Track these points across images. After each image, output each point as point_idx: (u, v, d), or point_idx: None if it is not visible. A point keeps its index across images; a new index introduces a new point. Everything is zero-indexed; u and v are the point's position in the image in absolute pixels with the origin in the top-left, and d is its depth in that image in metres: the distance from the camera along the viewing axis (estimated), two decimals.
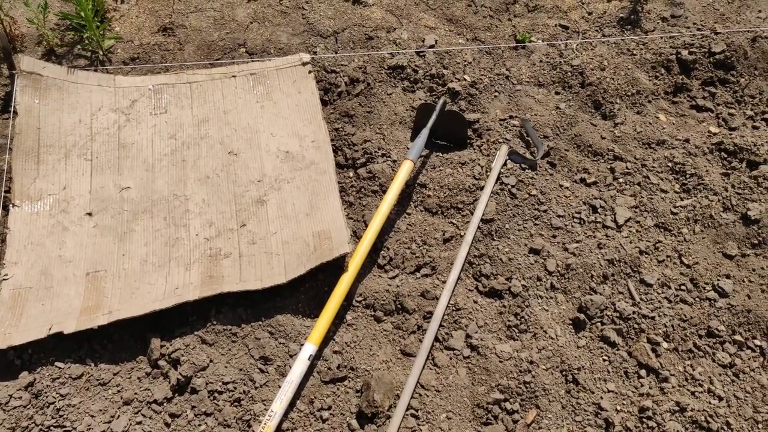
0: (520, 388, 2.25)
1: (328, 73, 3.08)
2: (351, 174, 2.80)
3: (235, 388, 2.23)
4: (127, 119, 2.83)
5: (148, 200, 2.62)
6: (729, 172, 2.80)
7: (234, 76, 3.01)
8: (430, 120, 2.70)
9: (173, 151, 2.76)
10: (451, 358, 2.35)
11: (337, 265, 2.41)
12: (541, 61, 3.20)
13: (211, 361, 2.27)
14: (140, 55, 3.09)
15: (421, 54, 3.16)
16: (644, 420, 2.20)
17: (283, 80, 3.00)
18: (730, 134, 2.92)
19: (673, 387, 2.28)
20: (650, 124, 2.99)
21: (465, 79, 3.07)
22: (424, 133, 2.66)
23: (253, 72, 3.03)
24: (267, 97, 2.96)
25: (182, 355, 2.26)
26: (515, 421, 2.20)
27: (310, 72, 3.02)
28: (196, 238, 2.53)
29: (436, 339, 2.39)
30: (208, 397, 2.21)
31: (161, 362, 2.27)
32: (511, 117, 2.99)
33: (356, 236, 2.60)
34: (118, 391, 2.22)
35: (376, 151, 2.82)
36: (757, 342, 2.38)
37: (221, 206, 2.62)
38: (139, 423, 2.16)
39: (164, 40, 3.16)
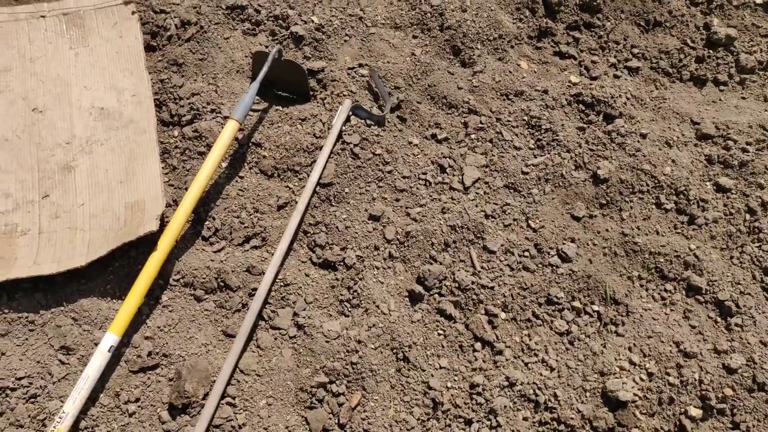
0: (347, 369, 2.13)
1: (157, 14, 2.72)
2: (176, 133, 2.51)
3: (31, 383, 2.01)
4: None
5: None
6: (585, 126, 2.67)
7: (43, 16, 2.61)
8: (260, 73, 2.42)
9: None
10: (276, 339, 2.19)
11: (152, 240, 2.17)
12: (399, 0, 2.93)
13: (3, 353, 2.03)
14: None
15: None
16: (474, 396, 2.13)
17: (102, 22, 2.63)
18: (590, 84, 2.78)
19: (507, 360, 2.21)
20: (510, 72, 2.81)
21: (312, 21, 2.78)
22: (253, 87, 2.38)
23: (66, 11, 2.63)
24: (82, 42, 2.59)
25: None
26: (341, 404, 2.09)
27: (134, 12, 2.64)
28: None
29: (262, 318, 2.22)
30: None
31: None
32: (360, 65, 2.74)
33: (176, 206, 2.35)
34: None
35: (204, 107, 2.53)
36: (595, 307, 2.33)
37: (22, 174, 2.30)
38: None
39: None
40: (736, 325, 2.30)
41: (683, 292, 2.38)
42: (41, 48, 2.55)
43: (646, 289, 2.38)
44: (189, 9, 2.73)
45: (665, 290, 2.38)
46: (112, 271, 2.20)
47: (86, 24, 2.62)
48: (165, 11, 2.72)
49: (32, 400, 2.00)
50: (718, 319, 2.33)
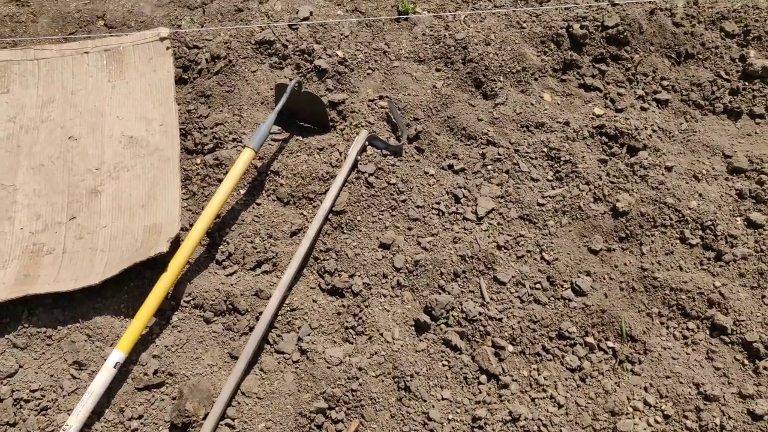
0: (347, 396, 2.12)
1: (190, 49, 2.86)
2: (198, 161, 2.61)
3: (43, 396, 2.10)
4: None
5: None
6: (607, 158, 2.61)
7: (87, 53, 2.80)
8: (278, 104, 2.50)
9: (9, 135, 2.58)
10: (279, 363, 2.21)
11: (165, 262, 2.25)
12: (424, 35, 2.98)
13: (20, 366, 2.14)
14: None
15: (294, 27, 2.94)
16: (475, 429, 2.07)
17: (139, 57, 2.79)
18: (615, 117, 2.72)
19: (513, 394, 2.14)
20: (532, 104, 2.79)
21: (337, 55, 2.86)
22: (270, 117, 2.46)
23: (107, 48, 2.81)
24: (120, 75, 2.75)
25: None
26: (339, 431, 2.07)
27: (168, 48, 2.80)
28: (21, 232, 2.37)
29: (267, 342, 2.24)
30: (13, 405, 2.08)
31: None
32: (381, 97, 2.78)
33: None
34: None
35: (226, 136, 2.63)
36: (610, 344, 2.23)
37: (53, 197, 2.45)
38: None
39: (17, 10, 2.94)
40: (765, 368, 2.15)
41: (707, 331, 2.26)
42: (82, 81, 2.73)
43: (667, 327, 2.28)
44: (220, 44, 2.86)
45: (687, 329, 2.27)
46: (126, 291, 2.28)
47: (124, 59, 2.79)
48: (198, 46, 2.87)
49: (43, 412, 2.08)
50: (746, 362, 2.19)
